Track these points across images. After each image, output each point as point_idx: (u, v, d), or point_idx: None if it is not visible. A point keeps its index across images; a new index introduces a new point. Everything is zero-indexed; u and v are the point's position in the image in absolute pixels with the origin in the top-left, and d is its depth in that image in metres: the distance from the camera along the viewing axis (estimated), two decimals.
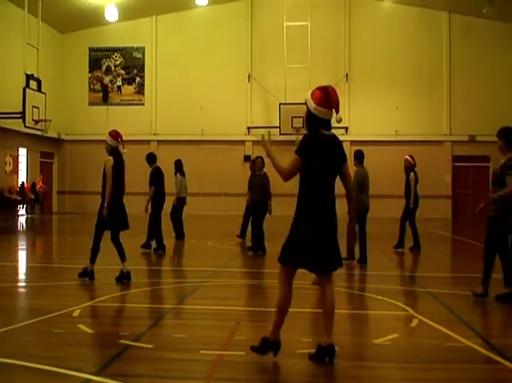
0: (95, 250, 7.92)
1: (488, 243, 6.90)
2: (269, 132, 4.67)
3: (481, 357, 4.61)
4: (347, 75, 25.00)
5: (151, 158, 11.92)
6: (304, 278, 8.27)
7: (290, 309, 6.63)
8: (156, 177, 11.66)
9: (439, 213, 23.62)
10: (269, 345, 4.50)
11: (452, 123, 24.77)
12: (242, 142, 25.15)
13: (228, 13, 25.64)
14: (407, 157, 12.22)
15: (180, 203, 13.08)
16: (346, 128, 24.68)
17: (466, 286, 7.81)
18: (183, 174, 13.21)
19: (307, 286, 7.69)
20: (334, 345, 4.41)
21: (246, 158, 23.55)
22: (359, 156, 10.39)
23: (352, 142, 24.04)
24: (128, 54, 26.40)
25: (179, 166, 13.20)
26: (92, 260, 7.89)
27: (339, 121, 4.48)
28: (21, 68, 19.88)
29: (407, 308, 6.34)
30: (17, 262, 10.83)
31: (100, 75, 26.53)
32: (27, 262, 10.85)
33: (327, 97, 4.41)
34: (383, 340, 5.05)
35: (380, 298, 7.11)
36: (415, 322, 5.71)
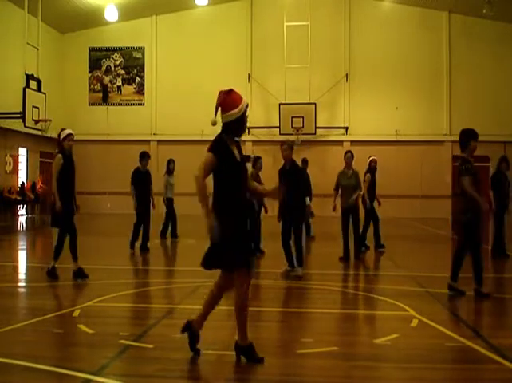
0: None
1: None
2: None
3: (481, 357, 4.60)
4: (347, 75, 24.99)
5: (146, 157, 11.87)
6: (306, 279, 8.28)
7: (290, 310, 6.65)
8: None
9: (439, 213, 23.59)
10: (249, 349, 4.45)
11: (452, 123, 24.76)
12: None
13: (228, 13, 25.64)
14: (375, 157, 12.06)
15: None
16: (346, 128, 24.68)
17: (466, 286, 7.80)
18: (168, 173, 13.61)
19: (308, 287, 7.70)
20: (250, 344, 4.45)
21: (246, 158, 23.55)
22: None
23: (352, 142, 24.05)
24: (128, 54, 26.39)
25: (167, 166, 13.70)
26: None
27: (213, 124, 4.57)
28: (21, 68, 19.88)
29: (407, 308, 6.34)
30: (17, 262, 10.82)
31: (100, 75, 26.53)
32: (27, 262, 10.85)
33: None
34: (383, 340, 5.05)
35: (380, 298, 7.11)
36: (415, 322, 5.70)
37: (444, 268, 10.50)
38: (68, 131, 8.15)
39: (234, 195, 4.48)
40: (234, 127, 4.50)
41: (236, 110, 4.45)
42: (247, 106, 4.53)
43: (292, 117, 23.53)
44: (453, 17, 24.89)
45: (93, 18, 24.95)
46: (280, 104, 23.91)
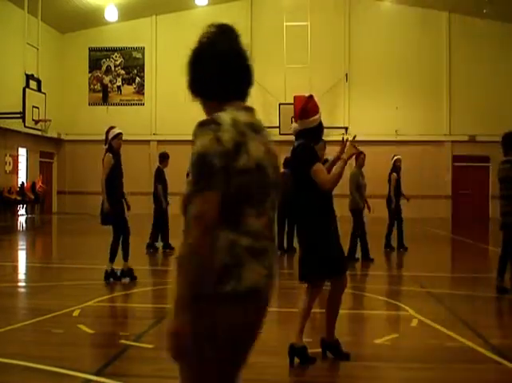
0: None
1: None
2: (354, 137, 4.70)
3: (481, 357, 4.60)
4: (347, 75, 24.97)
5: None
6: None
7: (292, 310, 6.65)
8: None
9: (438, 213, 23.60)
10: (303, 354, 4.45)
11: (452, 123, 24.75)
12: None
13: (228, 13, 25.60)
14: (400, 157, 12.12)
15: None
16: (346, 128, 24.66)
17: (466, 286, 7.83)
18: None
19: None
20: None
21: None
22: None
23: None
24: (128, 54, 26.38)
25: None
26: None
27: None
28: (21, 68, 19.87)
29: (407, 308, 6.34)
30: (17, 262, 10.83)
31: (100, 75, 26.52)
32: (27, 262, 10.85)
33: None
34: (383, 340, 5.05)
35: (380, 298, 7.11)
36: (415, 322, 5.71)
37: (444, 268, 10.52)
38: (117, 130, 7.99)
39: (326, 200, 4.44)
40: (316, 132, 4.44)
41: (317, 116, 4.38)
42: None
43: (292, 117, 23.46)
44: (453, 17, 24.87)
45: (93, 18, 24.94)
46: (280, 104, 23.89)
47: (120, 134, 7.96)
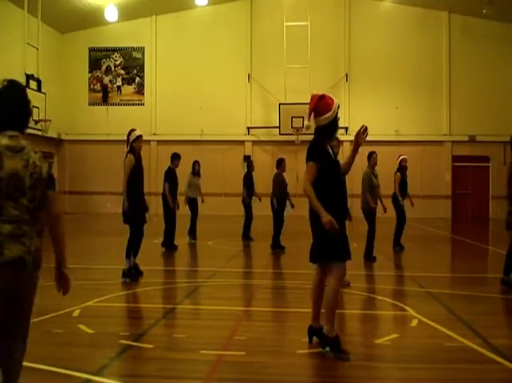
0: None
1: None
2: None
3: (481, 357, 4.61)
4: (347, 75, 24.98)
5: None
6: (306, 279, 8.28)
7: (292, 310, 6.66)
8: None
9: (438, 213, 23.60)
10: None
11: (452, 123, 24.74)
12: (242, 142, 25.14)
13: (228, 13, 25.62)
14: (406, 157, 12.17)
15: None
16: (346, 128, 24.65)
17: (466, 286, 7.84)
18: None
19: (308, 287, 7.69)
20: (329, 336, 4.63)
21: (246, 158, 23.56)
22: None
23: (352, 142, 24.03)
24: (128, 54, 26.37)
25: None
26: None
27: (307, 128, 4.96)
28: (21, 68, 19.88)
29: (407, 308, 6.34)
30: None
31: (99, 75, 26.51)
32: None
33: None
34: (383, 340, 5.05)
35: (380, 298, 7.11)
36: (415, 322, 5.71)
37: (444, 268, 10.52)
38: (138, 132, 8.16)
39: (335, 193, 4.69)
40: (328, 129, 4.78)
41: (330, 113, 4.71)
42: (338, 107, 4.77)
43: (292, 117, 23.49)
44: (453, 17, 24.87)
45: (93, 18, 24.93)
46: (280, 104, 23.90)
47: (140, 136, 8.15)
